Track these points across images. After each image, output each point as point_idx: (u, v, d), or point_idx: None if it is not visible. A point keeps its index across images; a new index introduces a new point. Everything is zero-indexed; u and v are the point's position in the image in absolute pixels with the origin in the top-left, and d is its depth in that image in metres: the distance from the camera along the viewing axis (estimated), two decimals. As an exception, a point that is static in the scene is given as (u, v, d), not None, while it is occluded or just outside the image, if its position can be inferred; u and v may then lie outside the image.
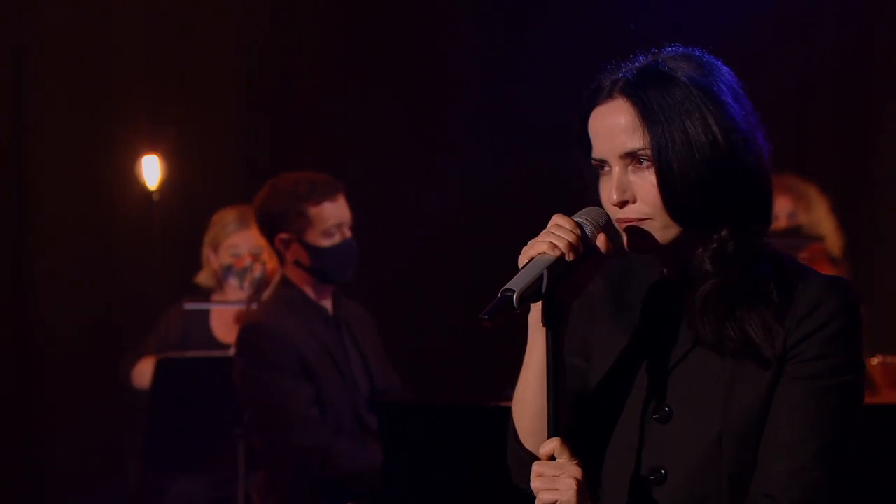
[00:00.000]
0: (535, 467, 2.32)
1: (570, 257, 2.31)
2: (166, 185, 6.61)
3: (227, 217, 6.09)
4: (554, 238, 2.32)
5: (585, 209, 2.41)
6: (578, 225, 2.36)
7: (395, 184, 7.07)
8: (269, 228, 4.87)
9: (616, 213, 2.41)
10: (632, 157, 2.40)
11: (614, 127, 2.40)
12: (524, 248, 2.34)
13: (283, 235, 4.84)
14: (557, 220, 2.36)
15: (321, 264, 4.83)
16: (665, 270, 2.47)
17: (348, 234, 4.84)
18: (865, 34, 7.24)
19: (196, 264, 6.24)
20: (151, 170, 6.50)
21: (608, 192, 2.42)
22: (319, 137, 7.27)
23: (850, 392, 2.36)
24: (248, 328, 4.86)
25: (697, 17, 6.75)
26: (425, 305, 6.47)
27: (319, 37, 7.33)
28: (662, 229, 2.39)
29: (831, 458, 2.32)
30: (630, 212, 2.40)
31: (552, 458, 2.31)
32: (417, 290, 6.66)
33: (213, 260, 6.10)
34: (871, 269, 7.07)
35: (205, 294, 6.14)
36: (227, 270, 6.05)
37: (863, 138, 7.31)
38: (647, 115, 2.37)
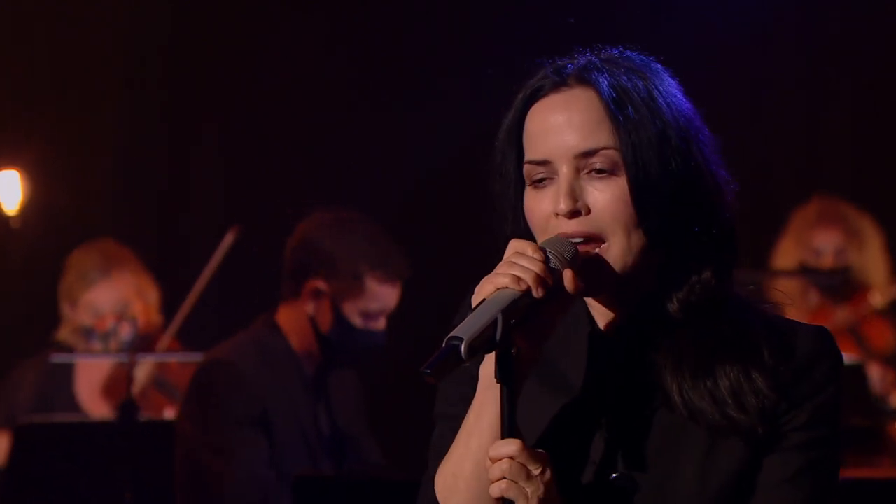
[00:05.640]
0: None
1: (538, 293, 2.12)
2: (29, 207, 6.45)
3: (85, 262, 5.72)
4: (518, 270, 2.12)
5: (547, 239, 2.19)
6: (543, 253, 2.17)
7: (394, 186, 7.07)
8: (306, 266, 4.50)
9: (559, 227, 2.20)
10: (588, 160, 2.21)
11: (568, 121, 2.21)
12: (477, 287, 2.14)
13: (321, 285, 4.48)
14: (518, 246, 2.15)
15: (339, 342, 4.50)
16: (597, 314, 2.29)
17: (383, 324, 4.54)
18: (868, 34, 7.31)
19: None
20: (11, 189, 6.34)
21: (551, 200, 2.21)
22: (223, 153, 7.21)
23: (835, 465, 2.31)
24: (208, 368, 4.55)
25: (697, 18, 6.78)
26: (426, 306, 6.23)
27: (232, 37, 7.21)
28: (620, 255, 2.21)
29: None
30: (581, 225, 2.20)
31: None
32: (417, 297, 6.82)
33: (72, 316, 5.75)
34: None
35: (68, 350, 5.85)
36: (89, 332, 5.70)
37: (878, 145, 7.34)
38: (617, 108, 2.20)
